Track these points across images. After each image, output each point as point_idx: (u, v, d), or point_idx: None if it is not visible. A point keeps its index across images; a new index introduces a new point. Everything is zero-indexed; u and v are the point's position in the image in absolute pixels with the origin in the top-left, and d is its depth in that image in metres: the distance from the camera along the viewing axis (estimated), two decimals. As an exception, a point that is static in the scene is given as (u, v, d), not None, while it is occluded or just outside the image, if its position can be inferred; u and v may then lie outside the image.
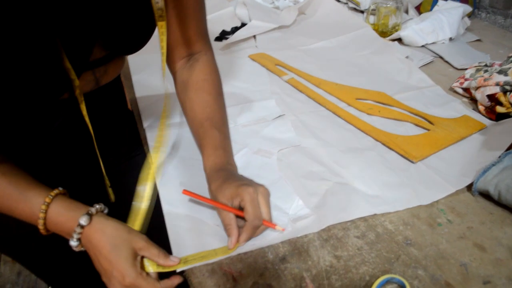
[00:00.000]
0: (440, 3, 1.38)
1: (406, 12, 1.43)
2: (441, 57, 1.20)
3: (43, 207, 0.56)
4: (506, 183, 0.66)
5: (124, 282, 0.54)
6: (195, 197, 0.64)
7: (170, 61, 0.78)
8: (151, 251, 0.57)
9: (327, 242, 0.62)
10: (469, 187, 0.72)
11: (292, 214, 0.65)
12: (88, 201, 0.60)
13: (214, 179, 0.64)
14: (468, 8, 1.34)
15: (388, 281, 0.56)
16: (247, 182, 0.61)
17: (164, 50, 0.67)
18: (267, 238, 0.62)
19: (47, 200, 0.56)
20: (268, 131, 0.85)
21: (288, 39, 1.28)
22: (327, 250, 0.60)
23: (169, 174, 0.75)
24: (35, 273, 0.91)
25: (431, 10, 1.42)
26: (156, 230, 0.65)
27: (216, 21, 1.41)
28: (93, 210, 0.57)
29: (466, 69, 1.06)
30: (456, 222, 0.65)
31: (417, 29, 1.24)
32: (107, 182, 0.74)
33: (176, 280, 0.57)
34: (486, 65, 1.02)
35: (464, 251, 0.60)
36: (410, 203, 0.69)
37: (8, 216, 0.71)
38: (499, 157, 0.72)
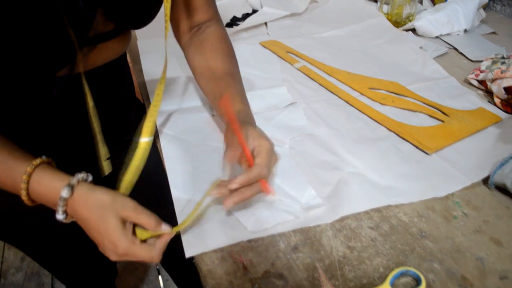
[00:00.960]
0: (455, -7, 1.35)
1: (421, 2, 1.40)
2: (455, 49, 1.18)
3: (25, 177, 0.52)
4: (524, 177, 0.65)
5: (117, 251, 0.52)
6: (228, 109, 0.61)
7: (179, 33, 0.77)
8: (140, 218, 0.53)
9: (340, 232, 0.60)
10: (485, 180, 0.70)
11: (304, 202, 0.64)
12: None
13: (239, 122, 0.61)
14: (483, 0, 1.31)
15: (402, 274, 0.54)
16: (266, 135, 0.60)
17: (168, 17, 0.65)
18: (279, 226, 0.60)
19: (29, 169, 0.52)
20: (280, 119, 0.83)
21: (300, 27, 1.26)
22: (340, 240, 0.59)
23: (179, 159, 0.73)
24: (37, 261, 0.90)
25: (446, 1, 1.39)
26: (160, 206, 0.63)
27: (227, 7, 1.38)
28: (74, 181, 0.53)
29: (481, 61, 1.04)
30: (472, 216, 0.64)
31: (431, 20, 1.22)
32: (105, 154, 0.69)
33: (167, 236, 0.54)
34: (503, 57, 0.99)
35: (480, 245, 0.59)
36: (425, 195, 0.67)
37: (10, 204, 0.70)
38: (517, 150, 0.70)
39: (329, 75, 1.00)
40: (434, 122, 0.85)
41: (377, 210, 0.64)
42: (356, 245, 0.58)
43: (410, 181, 0.70)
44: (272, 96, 0.91)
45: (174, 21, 0.76)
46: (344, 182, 0.68)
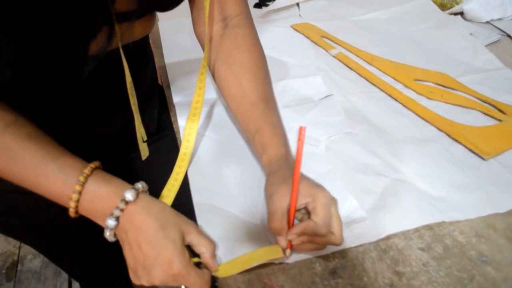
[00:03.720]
0: (508, -27, 1.22)
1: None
2: (509, 36, 1.06)
3: (82, 178, 0.46)
4: None
5: (171, 270, 0.46)
6: (298, 154, 0.48)
7: (202, 28, 0.66)
8: (200, 239, 0.48)
9: (385, 253, 0.52)
10: (554, 194, 0.61)
11: (344, 216, 0.55)
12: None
13: (276, 169, 0.53)
14: (542, -20, 1.18)
15: (462, 310, 0.46)
16: (320, 185, 0.51)
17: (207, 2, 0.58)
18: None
19: (86, 171, 0.47)
20: (314, 114, 0.74)
21: (335, 8, 1.16)
22: (386, 264, 0.51)
23: (201, 160, 0.66)
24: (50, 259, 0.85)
25: (496, -19, 1.26)
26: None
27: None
28: (139, 185, 0.49)
29: (541, 50, 0.93)
30: (542, 237, 0.55)
31: (482, 2, 1.09)
32: (143, 136, 0.64)
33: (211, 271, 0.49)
34: None
35: (553, 275, 0.50)
36: (484, 210, 0.58)
37: (27, 204, 0.65)
38: None
39: (369, 63, 0.90)
40: (490, 121, 0.75)
41: (428, 227, 0.56)
42: (405, 270, 0.50)
43: (465, 192, 0.60)
44: (306, 86, 0.82)
45: (197, 9, 0.66)
46: (390, 191, 0.59)
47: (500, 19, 1.12)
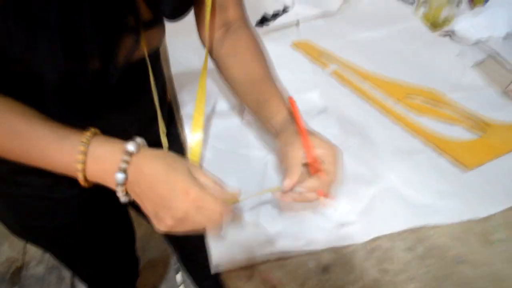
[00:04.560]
0: (495, -5, 1.29)
1: (459, 3, 1.35)
2: (495, 56, 1.12)
3: (84, 139, 0.50)
4: None
5: (188, 197, 0.48)
6: (294, 110, 0.58)
7: (206, 29, 0.71)
8: (207, 175, 0.52)
9: (372, 253, 0.58)
10: (528, 202, 0.67)
11: (336, 219, 0.61)
12: None
13: (291, 129, 0.60)
14: (528, 2, 1.25)
15: (439, 303, 0.52)
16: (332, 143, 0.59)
17: (209, 7, 0.64)
18: (309, 244, 0.58)
19: (88, 134, 0.51)
20: (311, 127, 0.81)
21: (332, 27, 1.22)
22: (372, 262, 0.57)
23: (208, 168, 0.72)
24: (60, 260, 0.90)
25: (484, 4, 1.33)
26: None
27: (256, 4, 1.35)
28: (138, 140, 0.52)
29: (524, 69, 0.99)
30: (513, 241, 0.61)
31: (471, 23, 1.16)
32: (163, 129, 0.70)
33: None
34: (547, 67, 0.94)
35: (522, 274, 0.56)
36: (462, 216, 0.64)
37: (46, 209, 0.71)
38: None
39: (363, 80, 0.97)
40: (473, 136, 0.82)
41: (412, 230, 0.62)
42: (389, 268, 0.56)
43: (447, 200, 0.67)
44: (304, 101, 0.88)
45: (202, 16, 0.73)
46: (379, 198, 0.65)
47: (488, 39, 1.19)
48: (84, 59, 0.50)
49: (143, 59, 0.61)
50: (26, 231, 0.77)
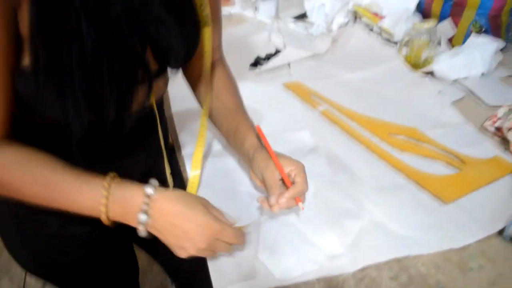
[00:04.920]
0: (472, 36, 1.39)
1: (439, 44, 1.45)
2: (473, 93, 1.21)
3: (105, 184, 0.57)
4: (538, 232, 0.68)
5: (211, 231, 0.57)
6: (263, 139, 0.72)
7: (193, 72, 0.83)
8: (219, 211, 0.62)
9: (361, 282, 0.64)
10: (501, 232, 0.74)
11: (327, 252, 0.68)
12: None
13: (262, 154, 0.71)
14: (500, 43, 1.35)
15: (420, 326, 0.58)
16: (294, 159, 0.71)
17: (209, 53, 0.75)
18: (305, 274, 0.65)
19: (108, 179, 0.58)
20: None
21: (322, 68, 1.31)
22: (361, 290, 0.63)
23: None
24: None
25: (463, 43, 1.43)
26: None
27: (250, 46, 1.44)
28: (152, 181, 0.59)
29: (498, 107, 1.08)
30: (487, 268, 0.67)
31: (449, 64, 1.26)
32: (169, 170, 0.78)
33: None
34: (519, 106, 1.03)
35: (495, 299, 0.62)
36: (442, 246, 0.71)
37: (49, 242, 0.76)
38: (532, 204, 0.73)
39: (350, 119, 1.05)
40: (452, 171, 0.89)
41: (396, 260, 0.68)
42: (377, 295, 0.62)
43: (428, 231, 0.73)
44: (295, 140, 0.96)
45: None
46: (366, 231, 0.72)
47: (466, 77, 1.28)
48: (102, 111, 0.57)
49: (151, 106, 0.69)
50: (39, 268, 0.82)
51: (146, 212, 0.57)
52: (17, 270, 1.85)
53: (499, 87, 1.26)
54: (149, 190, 0.57)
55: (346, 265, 0.66)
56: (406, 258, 0.69)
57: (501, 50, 1.43)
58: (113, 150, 0.69)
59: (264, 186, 0.71)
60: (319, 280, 0.64)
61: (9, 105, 0.55)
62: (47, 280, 0.87)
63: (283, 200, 0.66)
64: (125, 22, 0.52)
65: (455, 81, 1.27)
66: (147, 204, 0.57)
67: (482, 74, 1.29)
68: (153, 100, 0.69)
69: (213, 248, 0.59)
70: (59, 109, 0.54)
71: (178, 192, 0.60)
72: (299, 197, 0.68)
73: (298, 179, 0.68)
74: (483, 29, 1.42)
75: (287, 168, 0.69)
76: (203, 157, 0.87)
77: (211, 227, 0.58)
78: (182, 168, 0.89)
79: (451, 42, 1.50)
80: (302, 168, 0.69)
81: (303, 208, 0.69)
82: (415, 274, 0.66)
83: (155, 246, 0.89)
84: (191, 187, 0.80)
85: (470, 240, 0.72)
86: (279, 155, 0.71)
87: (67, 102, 0.53)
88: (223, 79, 0.84)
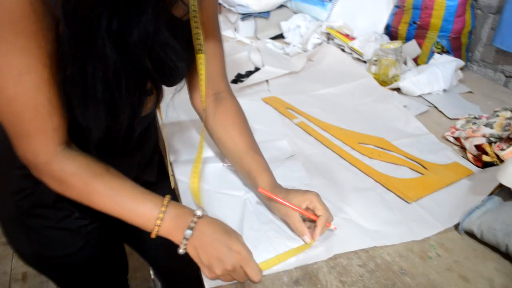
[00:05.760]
0: (435, 56, 1.52)
1: (405, 63, 1.57)
2: (435, 107, 1.33)
3: (165, 201, 0.68)
4: (487, 224, 0.78)
5: (239, 256, 0.66)
6: (271, 197, 0.77)
7: (197, 98, 0.91)
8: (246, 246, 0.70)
9: (333, 269, 0.72)
10: (457, 226, 0.83)
11: (302, 242, 0.76)
12: None
13: (276, 194, 0.78)
14: (460, 62, 1.47)
15: (385, 304, 0.66)
16: (304, 190, 0.80)
17: (203, 77, 0.83)
18: (283, 264, 0.72)
19: (166, 200, 0.69)
20: (281, 170, 0.96)
21: (297, 84, 1.41)
22: (333, 275, 0.71)
23: (195, 206, 0.86)
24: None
25: (427, 62, 1.56)
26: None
27: (232, 64, 1.54)
28: (200, 209, 0.70)
29: (457, 119, 1.19)
30: (444, 256, 0.76)
31: (414, 81, 1.37)
32: (171, 172, 0.90)
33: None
34: (475, 117, 1.14)
35: (450, 282, 0.71)
36: (405, 238, 0.79)
37: (58, 238, 0.83)
38: (483, 201, 0.83)
39: (324, 130, 1.14)
40: (415, 175, 0.99)
41: (365, 250, 0.76)
42: (347, 280, 0.70)
43: (393, 226, 0.82)
44: (274, 149, 1.04)
45: (194, 85, 0.90)
46: (338, 226, 0.80)
47: (429, 93, 1.40)
48: (118, 118, 0.66)
49: (150, 114, 0.79)
50: (38, 260, 0.89)
51: (191, 229, 0.67)
52: (1, 279, 1.89)
53: (459, 101, 1.38)
54: (199, 212, 0.68)
55: (320, 254, 0.74)
56: (373, 248, 0.77)
57: (462, 68, 1.56)
58: (117, 152, 0.77)
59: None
60: (296, 268, 0.72)
61: (65, 112, 0.64)
62: (43, 273, 0.93)
63: (317, 237, 0.75)
64: (141, 46, 0.61)
65: (420, 96, 1.39)
66: (195, 222, 0.67)
67: (444, 90, 1.41)
68: (159, 109, 0.81)
69: (235, 273, 0.67)
70: (81, 114, 0.63)
71: (220, 221, 0.71)
72: (328, 222, 0.76)
73: (319, 212, 0.75)
74: (445, 50, 1.55)
75: (304, 205, 0.76)
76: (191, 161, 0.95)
77: (240, 254, 0.66)
78: (170, 172, 0.97)
79: (416, 61, 1.63)
80: (316, 199, 0.77)
81: (335, 228, 0.79)
82: (381, 262, 0.74)
83: (145, 246, 0.95)
84: (194, 195, 0.88)
85: (430, 233, 0.81)
86: (290, 194, 0.78)
87: (89, 109, 0.62)
88: (232, 115, 0.90)
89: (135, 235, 0.70)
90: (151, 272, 1.30)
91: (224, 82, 0.92)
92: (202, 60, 0.82)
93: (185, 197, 0.88)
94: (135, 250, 1.13)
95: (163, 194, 0.71)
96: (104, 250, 0.95)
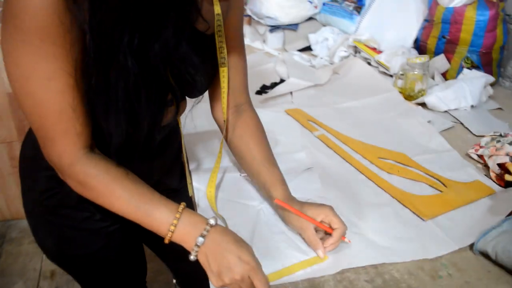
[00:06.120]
0: (465, 71, 1.49)
1: (433, 77, 1.55)
2: (461, 123, 1.30)
3: (180, 208, 0.70)
4: (502, 245, 0.76)
5: (248, 266, 0.67)
6: (288, 208, 0.79)
7: (219, 110, 0.93)
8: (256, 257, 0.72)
9: (340, 283, 0.72)
10: (472, 246, 0.81)
11: (312, 255, 0.77)
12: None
13: (291, 206, 0.79)
14: (490, 78, 1.44)
15: (389, 321, 0.66)
16: (322, 204, 0.81)
17: (225, 89, 0.87)
18: (291, 276, 0.73)
19: (181, 207, 0.71)
20: (297, 182, 0.96)
21: (321, 96, 1.42)
22: (339, 290, 0.71)
23: (211, 213, 0.87)
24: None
25: (456, 77, 1.53)
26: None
27: (257, 75, 1.56)
28: (215, 216, 0.73)
29: (483, 136, 1.16)
30: (456, 276, 0.75)
31: (440, 96, 1.35)
32: (189, 180, 0.94)
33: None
34: (500, 135, 1.12)
35: (459, 302, 0.70)
36: (416, 256, 0.79)
37: (79, 238, 0.87)
38: (500, 221, 0.81)
39: (344, 143, 1.14)
40: (434, 192, 0.97)
41: (374, 266, 0.76)
42: (353, 295, 0.70)
43: (405, 243, 0.81)
44: (292, 160, 1.05)
45: (215, 97, 0.93)
46: (348, 240, 0.80)
47: (456, 109, 1.37)
48: (138, 126, 0.70)
49: (175, 123, 0.84)
50: (61, 258, 0.93)
51: (203, 236, 0.69)
52: (31, 276, 1.97)
53: (487, 118, 1.35)
54: (212, 221, 0.70)
55: (328, 268, 0.75)
56: (382, 265, 0.76)
57: (493, 84, 1.52)
58: (139, 158, 0.81)
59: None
60: (303, 281, 0.72)
61: (89, 118, 0.68)
62: (65, 270, 0.97)
63: (330, 248, 0.77)
64: (160, 59, 0.65)
65: (446, 112, 1.37)
66: (208, 231, 0.70)
67: (472, 106, 1.38)
68: (179, 119, 0.85)
69: (243, 283, 0.68)
70: (103, 121, 0.67)
71: (231, 231, 0.73)
72: (343, 235, 0.78)
73: (335, 225, 0.77)
74: (475, 65, 1.52)
75: (319, 218, 0.78)
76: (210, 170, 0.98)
77: (249, 264, 0.68)
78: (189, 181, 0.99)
79: (445, 76, 1.60)
80: (332, 212, 0.78)
81: (350, 241, 0.80)
82: (389, 279, 0.74)
83: (164, 250, 0.98)
84: (210, 201, 0.91)
85: (443, 252, 0.80)
86: (304, 207, 0.79)
87: (111, 116, 0.66)
88: (251, 127, 0.92)
89: (154, 238, 0.72)
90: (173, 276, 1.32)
91: (245, 95, 0.95)
92: (225, 73, 0.85)
93: (201, 205, 0.90)
94: (155, 253, 1.16)
95: (183, 201, 0.74)
96: (123, 251, 0.99)
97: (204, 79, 0.81)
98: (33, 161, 0.82)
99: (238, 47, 0.89)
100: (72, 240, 0.90)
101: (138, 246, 1.06)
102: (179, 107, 0.78)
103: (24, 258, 2.03)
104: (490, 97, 1.47)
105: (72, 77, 0.62)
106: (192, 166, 1.03)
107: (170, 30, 0.64)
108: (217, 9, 0.78)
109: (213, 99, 0.94)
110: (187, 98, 0.85)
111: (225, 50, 0.83)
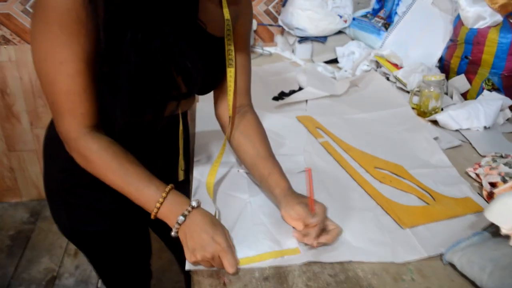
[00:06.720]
0: (484, 93, 1.50)
1: (451, 97, 1.56)
2: (469, 143, 1.32)
3: (167, 189, 0.80)
4: (468, 257, 0.79)
5: (219, 247, 0.76)
6: (310, 182, 0.93)
7: (222, 109, 1.02)
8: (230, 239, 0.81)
9: (304, 273, 0.78)
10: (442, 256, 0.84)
11: (285, 247, 0.83)
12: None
13: (292, 197, 0.87)
14: (508, 101, 1.44)
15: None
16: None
17: (232, 88, 0.95)
18: (261, 262, 0.80)
19: (169, 187, 0.81)
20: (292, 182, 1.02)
21: (334, 106, 1.47)
22: (302, 279, 0.77)
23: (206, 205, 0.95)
24: (93, 264, 1.15)
25: (476, 98, 1.54)
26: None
27: (278, 82, 1.63)
28: (197, 200, 0.82)
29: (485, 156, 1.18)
30: (418, 281, 0.79)
31: (452, 114, 1.37)
32: (182, 165, 1.00)
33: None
34: (501, 156, 1.13)
35: (414, 304, 0.74)
36: (384, 258, 0.83)
37: (91, 216, 0.99)
38: (472, 234, 0.84)
39: (345, 151, 1.19)
40: (421, 203, 1.00)
41: (341, 263, 0.81)
42: (313, 285, 0.76)
43: (377, 246, 0.86)
44: (289, 161, 1.11)
45: (220, 98, 1.01)
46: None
47: (468, 129, 1.38)
48: (141, 114, 0.81)
49: (177, 116, 0.92)
50: (74, 233, 1.05)
51: (184, 216, 0.79)
52: (57, 252, 2.15)
53: (499, 140, 1.35)
54: (194, 203, 0.81)
55: (296, 258, 0.80)
56: (349, 263, 0.81)
57: (512, 109, 1.51)
58: (142, 145, 0.92)
59: (295, 225, 0.86)
60: (270, 267, 0.79)
61: (95, 101, 0.79)
62: (77, 246, 1.08)
63: (323, 240, 0.82)
64: (161, 54, 0.76)
65: (457, 130, 1.38)
66: (189, 211, 0.79)
67: (485, 127, 1.39)
68: (179, 112, 0.92)
69: (213, 261, 0.76)
70: (110, 106, 0.78)
71: (211, 214, 0.83)
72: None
73: (331, 226, 0.85)
74: (495, 87, 1.53)
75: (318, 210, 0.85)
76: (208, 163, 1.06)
77: (220, 245, 0.76)
78: (191, 173, 1.08)
79: (465, 96, 1.61)
80: (324, 207, 0.86)
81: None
82: (352, 276, 0.78)
83: (167, 232, 1.07)
84: (209, 190, 0.98)
85: (411, 258, 0.83)
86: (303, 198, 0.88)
87: (116, 103, 0.77)
88: (255, 127, 1.00)
89: (159, 221, 0.82)
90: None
91: (247, 97, 1.03)
92: (232, 74, 0.94)
93: (197, 194, 0.98)
94: (157, 235, 1.25)
95: (183, 194, 0.83)
96: (129, 232, 1.09)
97: (208, 77, 0.91)
98: (55, 142, 0.92)
99: (244, 50, 0.98)
100: (83, 218, 1.01)
101: (144, 229, 1.16)
102: (180, 101, 0.88)
103: (53, 235, 2.21)
104: (509, 120, 1.47)
105: (82, 64, 0.73)
106: (196, 157, 1.12)
107: (168, 28, 0.74)
108: (226, 13, 0.87)
109: (217, 99, 1.02)
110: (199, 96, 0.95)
111: (233, 53, 0.92)
